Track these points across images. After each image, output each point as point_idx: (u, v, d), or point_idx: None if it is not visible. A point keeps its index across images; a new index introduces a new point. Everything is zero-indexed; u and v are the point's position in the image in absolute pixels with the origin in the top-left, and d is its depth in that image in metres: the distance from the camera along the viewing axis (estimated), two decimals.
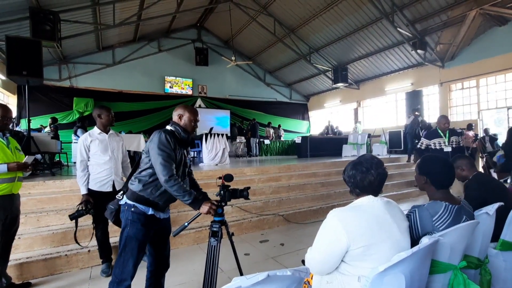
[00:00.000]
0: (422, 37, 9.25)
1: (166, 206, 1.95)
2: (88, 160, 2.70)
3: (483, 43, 9.00)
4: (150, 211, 1.81)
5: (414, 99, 10.57)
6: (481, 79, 9.36)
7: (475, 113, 9.62)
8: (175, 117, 1.90)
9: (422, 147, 4.37)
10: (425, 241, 1.13)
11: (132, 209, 1.78)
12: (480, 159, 8.39)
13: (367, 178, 1.27)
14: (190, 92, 13.71)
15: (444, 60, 9.97)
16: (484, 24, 8.70)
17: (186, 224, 1.85)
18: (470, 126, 8.50)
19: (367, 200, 1.28)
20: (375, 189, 1.30)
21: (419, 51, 9.36)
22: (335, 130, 12.85)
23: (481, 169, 8.40)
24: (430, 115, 11.03)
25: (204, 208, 1.78)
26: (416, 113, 8.60)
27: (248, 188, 1.91)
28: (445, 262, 1.30)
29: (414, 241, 1.31)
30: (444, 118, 4.25)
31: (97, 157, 2.71)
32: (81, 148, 2.67)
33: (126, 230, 1.78)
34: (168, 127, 1.86)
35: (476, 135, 8.48)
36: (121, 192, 1.91)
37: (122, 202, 1.85)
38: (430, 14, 8.71)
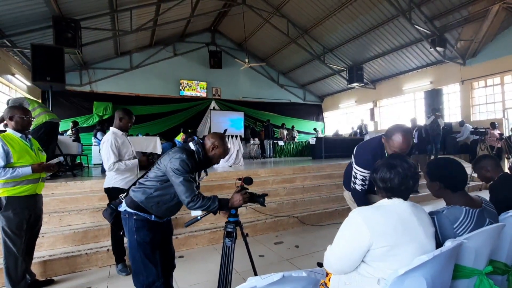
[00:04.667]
0: (442, 34, 8.94)
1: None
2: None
3: (507, 39, 8.57)
4: (153, 218, 1.82)
5: (433, 98, 10.21)
6: (506, 76, 8.92)
7: (499, 112, 9.17)
8: (207, 143, 1.81)
9: (357, 187, 2.03)
10: (448, 244, 1.08)
11: (134, 217, 1.78)
12: (506, 160, 7.98)
13: (405, 183, 1.21)
14: (204, 95, 13.89)
15: (465, 57, 9.58)
16: (508, 19, 8.30)
17: (198, 218, 1.84)
18: (493, 125, 8.11)
19: (393, 202, 1.22)
20: (408, 194, 1.25)
21: (438, 48, 9.05)
22: (356, 130, 12.64)
23: (507, 171, 7.98)
24: (451, 115, 10.63)
25: (236, 201, 1.77)
26: (437, 113, 8.31)
27: (266, 195, 1.89)
28: (470, 267, 1.23)
29: (437, 247, 1.25)
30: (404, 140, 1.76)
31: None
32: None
33: (134, 238, 1.77)
34: (192, 146, 1.81)
35: (502, 134, 8.08)
36: (125, 194, 1.89)
37: (121, 209, 1.83)
38: (450, 10, 8.40)
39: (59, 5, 7.24)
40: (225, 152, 1.84)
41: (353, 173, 2.04)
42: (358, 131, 12.51)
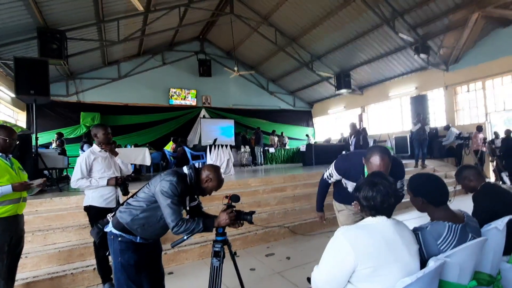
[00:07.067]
0: (425, 41, 9.21)
1: None
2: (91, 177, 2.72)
3: (487, 45, 8.91)
4: (138, 239, 1.79)
5: (419, 103, 10.46)
6: (487, 81, 9.24)
7: (482, 116, 9.46)
8: (203, 174, 1.81)
9: (325, 175, 2.44)
10: (431, 264, 1.09)
11: (119, 238, 1.76)
12: (490, 163, 8.21)
13: (387, 200, 1.23)
14: (194, 103, 13.85)
15: (448, 64, 9.88)
16: (487, 26, 8.63)
17: (185, 238, 1.80)
18: (480, 128, 8.31)
19: (377, 220, 1.24)
20: (391, 211, 1.27)
21: (422, 55, 9.30)
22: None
23: (491, 173, 8.21)
24: (436, 119, 10.90)
25: (222, 220, 1.75)
26: (423, 120, 8.41)
27: (253, 212, 1.88)
28: (454, 283, 1.25)
29: (422, 264, 1.26)
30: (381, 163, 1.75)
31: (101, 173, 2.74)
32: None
33: (118, 261, 1.75)
34: (185, 170, 1.81)
35: (485, 138, 8.31)
36: (113, 213, 1.86)
37: (107, 230, 1.82)
38: (432, 18, 8.69)
39: (44, 16, 7.15)
40: (218, 186, 1.84)
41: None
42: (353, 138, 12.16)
